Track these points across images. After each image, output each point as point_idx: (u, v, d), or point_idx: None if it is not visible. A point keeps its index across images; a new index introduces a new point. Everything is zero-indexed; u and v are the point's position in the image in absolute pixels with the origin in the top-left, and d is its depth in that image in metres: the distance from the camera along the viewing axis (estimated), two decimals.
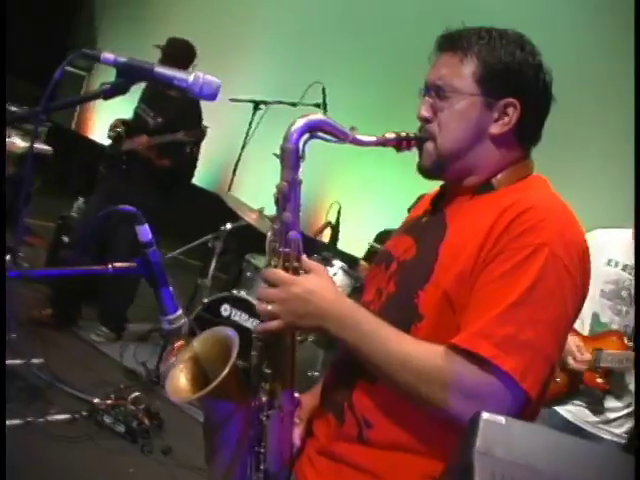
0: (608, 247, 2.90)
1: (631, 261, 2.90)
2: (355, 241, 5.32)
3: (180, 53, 4.51)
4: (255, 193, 6.28)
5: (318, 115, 1.49)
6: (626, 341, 2.94)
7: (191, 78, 1.36)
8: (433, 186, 1.67)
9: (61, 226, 5.31)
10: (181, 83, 1.36)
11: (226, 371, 1.51)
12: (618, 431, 2.89)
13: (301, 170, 1.49)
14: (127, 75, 1.36)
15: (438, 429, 1.42)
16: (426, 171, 1.56)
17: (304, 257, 1.51)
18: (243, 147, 4.83)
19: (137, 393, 3.76)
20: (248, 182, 5.72)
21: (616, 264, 2.90)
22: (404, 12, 6.70)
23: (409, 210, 2.26)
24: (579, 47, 5.18)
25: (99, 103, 8.83)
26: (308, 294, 1.44)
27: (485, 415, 0.94)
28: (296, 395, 1.60)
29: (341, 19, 7.16)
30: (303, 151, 1.48)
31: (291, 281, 1.45)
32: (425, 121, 1.53)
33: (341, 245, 4.83)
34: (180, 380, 1.62)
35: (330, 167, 6.87)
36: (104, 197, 4.70)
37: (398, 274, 1.55)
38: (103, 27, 9.29)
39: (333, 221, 4.49)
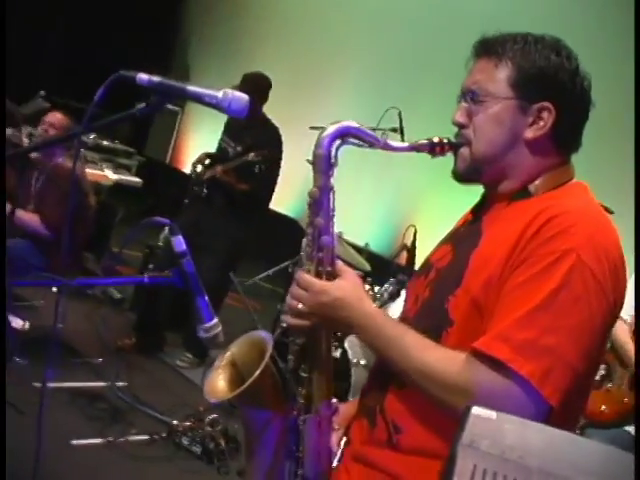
0: None
1: None
2: None
3: (253, 88, 4.65)
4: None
5: (349, 121, 1.51)
6: None
7: (220, 95, 1.41)
8: None
9: (148, 255, 5.49)
10: (211, 100, 1.42)
11: (258, 371, 1.55)
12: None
13: (334, 176, 1.53)
14: (161, 94, 1.43)
15: None
16: (460, 175, 1.56)
17: (338, 261, 1.54)
18: None
19: (215, 415, 3.83)
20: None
21: None
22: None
23: None
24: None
25: (192, 139, 9.22)
26: (335, 301, 1.48)
27: (475, 410, 0.93)
28: (334, 401, 1.62)
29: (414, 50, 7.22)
30: (335, 157, 1.51)
31: (320, 290, 1.49)
32: (460, 127, 1.53)
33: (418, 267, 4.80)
34: (218, 382, 1.67)
35: (406, 190, 6.90)
36: (187, 225, 4.83)
37: (434, 281, 1.55)
38: (196, 64, 9.61)
39: (409, 244, 4.48)
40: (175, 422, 3.81)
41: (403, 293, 4.39)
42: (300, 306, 1.51)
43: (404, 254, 4.47)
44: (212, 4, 9.33)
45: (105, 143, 6.61)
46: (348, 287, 1.50)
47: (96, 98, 1.44)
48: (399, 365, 1.44)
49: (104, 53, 7.46)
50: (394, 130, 4.50)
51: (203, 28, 9.47)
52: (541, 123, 1.47)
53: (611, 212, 1.48)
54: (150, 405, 4.00)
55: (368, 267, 4.88)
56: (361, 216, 6.73)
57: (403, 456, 1.47)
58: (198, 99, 1.43)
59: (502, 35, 1.51)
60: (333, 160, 1.51)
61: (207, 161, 4.90)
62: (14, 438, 2.17)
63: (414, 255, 4.48)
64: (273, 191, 4.88)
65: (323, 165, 1.51)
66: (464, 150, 1.52)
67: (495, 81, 1.48)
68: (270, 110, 4.88)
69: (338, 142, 1.51)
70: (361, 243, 5.13)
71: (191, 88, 1.43)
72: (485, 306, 1.39)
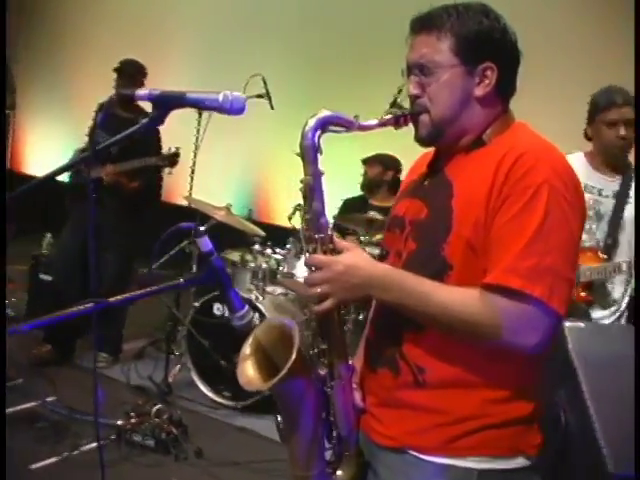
0: None
1: (589, 181, 3.14)
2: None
3: (130, 78, 4.57)
4: (218, 193, 6.41)
5: (325, 111, 1.67)
6: (600, 254, 3.18)
7: (221, 98, 1.48)
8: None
9: (35, 266, 5.33)
10: (213, 104, 1.48)
11: (293, 357, 1.64)
12: None
13: (320, 162, 1.66)
14: (162, 106, 1.47)
15: (487, 360, 1.60)
16: (424, 140, 1.74)
17: (335, 238, 1.68)
18: (196, 151, 4.93)
19: (159, 406, 3.86)
20: (209, 183, 5.79)
21: None
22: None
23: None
24: None
25: (27, 137, 8.84)
26: (350, 268, 1.61)
27: (567, 323, 1.10)
28: (350, 362, 1.77)
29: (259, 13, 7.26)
30: (319, 145, 1.66)
31: (332, 261, 1.63)
32: (415, 97, 1.70)
33: None
34: (249, 371, 1.76)
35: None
36: (77, 227, 4.75)
37: (415, 233, 1.70)
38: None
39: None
40: (120, 422, 3.80)
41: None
42: (320, 289, 1.62)
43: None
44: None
45: None
46: (356, 254, 1.65)
47: (99, 122, 1.47)
48: (421, 311, 1.59)
49: None
50: (260, 96, 4.58)
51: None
52: (486, 81, 1.67)
53: None
54: (87, 412, 3.95)
55: (262, 232, 4.99)
56: (218, 180, 6.83)
57: (431, 391, 1.63)
58: (199, 105, 1.49)
59: (434, 9, 1.69)
60: (318, 148, 1.66)
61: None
62: None
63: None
64: (161, 181, 4.87)
65: (311, 155, 1.66)
66: (424, 117, 1.70)
67: (440, 52, 1.65)
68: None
69: (319, 132, 1.65)
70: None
71: (191, 95, 1.48)
72: (477, 245, 1.58)
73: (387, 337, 1.72)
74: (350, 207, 5.43)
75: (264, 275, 4.69)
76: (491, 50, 1.66)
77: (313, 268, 1.65)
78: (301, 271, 4.56)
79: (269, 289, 4.68)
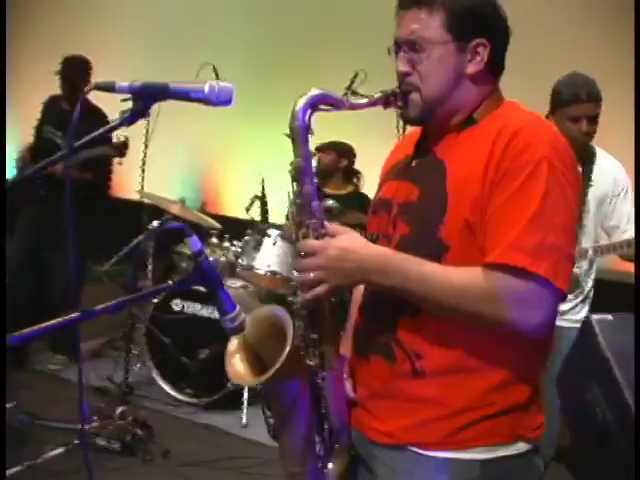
0: None
1: None
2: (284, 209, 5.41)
3: (77, 73, 4.44)
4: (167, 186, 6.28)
5: (315, 90, 1.60)
6: None
7: (207, 88, 1.39)
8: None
9: None
10: (198, 95, 1.39)
11: (287, 350, 1.58)
12: (577, 317, 3.10)
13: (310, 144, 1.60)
14: (144, 98, 1.39)
15: (486, 344, 1.55)
16: (415, 119, 1.68)
17: (326, 223, 1.61)
18: (147, 143, 4.82)
19: (123, 407, 3.76)
20: (159, 177, 5.66)
21: None
22: None
23: None
24: None
25: None
26: (344, 252, 1.55)
27: (595, 316, 1.07)
28: (341, 353, 1.70)
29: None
30: (310, 126, 1.59)
31: (326, 246, 1.56)
32: (405, 75, 1.63)
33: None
34: (238, 366, 1.69)
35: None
36: (29, 225, 4.59)
37: (406, 215, 1.64)
38: None
39: (259, 194, 4.57)
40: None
41: (265, 241, 4.47)
42: (312, 275, 1.56)
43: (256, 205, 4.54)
44: None
45: None
46: (350, 237, 1.58)
47: (75, 115, 1.38)
48: (424, 293, 1.52)
49: None
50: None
51: None
52: (478, 58, 1.61)
53: None
54: (48, 418, 3.84)
55: (218, 225, 4.90)
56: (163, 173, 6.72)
57: (429, 380, 1.57)
58: (184, 96, 1.41)
59: None
60: (309, 129, 1.59)
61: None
62: None
63: (266, 203, 4.57)
64: (111, 173, 4.74)
65: (302, 135, 1.59)
66: (414, 96, 1.63)
67: (431, 28, 1.58)
68: None
69: (309, 111, 1.58)
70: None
71: (175, 86, 1.39)
72: (476, 225, 1.53)
73: (380, 324, 1.65)
74: None
75: (223, 268, 4.60)
76: (483, 26, 1.60)
77: (303, 254, 1.57)
78: (261, 263, 4.49)
79: (228, 282, 4.59)
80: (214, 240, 4.75)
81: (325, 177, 5.35)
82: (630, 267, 3.05)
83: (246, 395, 4.29)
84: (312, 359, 1.65)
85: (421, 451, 1.59)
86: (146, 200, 4.99)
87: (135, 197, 5.02)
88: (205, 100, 1.40)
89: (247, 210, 4.47)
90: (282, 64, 6.52)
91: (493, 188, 1.51)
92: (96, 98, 4.71)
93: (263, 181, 4.58)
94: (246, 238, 4.57)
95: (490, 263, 1.49)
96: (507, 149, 1.51)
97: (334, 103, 1.61)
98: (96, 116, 4.56)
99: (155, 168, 5.04)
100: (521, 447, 1.61)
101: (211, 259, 1.47)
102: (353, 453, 1.71)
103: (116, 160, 4.46)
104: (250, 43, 6.84)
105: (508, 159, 1.50)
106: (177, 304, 4.46)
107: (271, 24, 6.71)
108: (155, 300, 4.47)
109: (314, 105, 1.58)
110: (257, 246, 4.49)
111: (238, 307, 1.53)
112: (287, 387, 1.65)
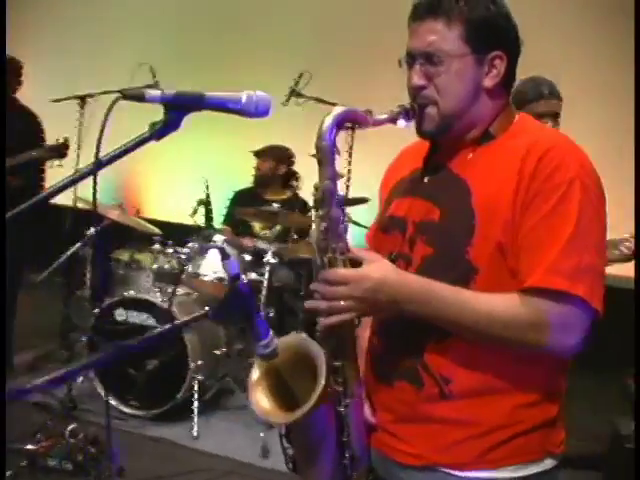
0: None
1: None
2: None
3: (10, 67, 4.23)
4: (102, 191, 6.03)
5: (340, 108, 1.54)
6: None
7: (244, 98, 1.31)
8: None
9: None
10: (235, 105, 1.31)
11: (322, 383, 1.52)
12: None
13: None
14: (178, 109, 1.30)
15: (515, 365, 1.53)
16: (430, 134, 1.63)
17: (352, 247, 1.55)
18: (80, 143, 4.67)
19: (73, 425, 3.58)
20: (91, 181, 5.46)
21: None
22: None
23: None
24: None
25: None
26: (380, 285, 1.49)
27: None
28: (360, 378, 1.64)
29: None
30: (336, 145, 1.53)
31: (359, 277, 1.49)
32: (420, 89, 1.58)
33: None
34: (263, 401, 1.59)
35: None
36: None
37: (427, 235, 1.59)
38: None
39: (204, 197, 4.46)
40: (30, 446, 3.49)
41: (211, 247, 4.35)
42: (344, 303, 1.49)
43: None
44: None
45: None
46: (383, 267, 1.52)
47: (103, 126, 1.28)
48: (463, 320, 1.48)
49: None
50: (150, 86, 4.37)
51: None
52: (495, 71, 1.58)
53: None
54: None
55: (158, 230, 4.75)
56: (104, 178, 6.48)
57: (458, 402, 1.54)
58: (220, 107, 1.32)
59: None
60: (335, 149, 1.53)
61: None
62: None
63: (210, 208, 4.47)
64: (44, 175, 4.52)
65: (329, 156, 1.53)
66: (430, 110, 1.58)
67: (449, 40, 1.54)
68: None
69: (335, 130, 1.52)
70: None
71: (210, 96, 1.31)
72: (507, 246, 1.49)
73: (404, 349, 1.60)
74: (241, 199, 5.29)
75: (165, 275, 4.46)
76: (499, 38, 1.57)
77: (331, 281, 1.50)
78: (206, 269, 4.37)
79: (171, 290, 4.44)
80: (157, 247, 4.59)
81: (263, 184, 5.30)
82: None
83: (196, 404, 4.17)
84: (337, 386, 1.59)
85: (453, 472, 1.55)
86: (81, 205, 4.79)
87: (69, 203, 4.81)
88: (242, 111, 1.33)
89: (193, 214, 4.35)
90: (218, 63, 6.42)
91: (524, 209, 1.48)
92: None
93: (207, 185, 4.46)
94: (190, 244, 4.44)
95: (530, 288, 1.46)
96: (537, 169, 1.48)
97: (359, 120, 1.56)
98: (24, 114, 4.37)
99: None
100: (549, 463, 1.60)
101: (245, 281, 1.35)
102: (371, 478, 1.66)
103: (55, 162, 4.24)
104: (186, 42, 6.70)
105: (539, 179, 1.48)
106: (121, 314, 4.29)
107: (207, 23, 6.60)
108: (96, 310, 4.30)
109: (340, 123, 1.52)
110: (203, 252, 4.37)
111: (271, 334, 1.46)
112: (316, 421, 1.57)
